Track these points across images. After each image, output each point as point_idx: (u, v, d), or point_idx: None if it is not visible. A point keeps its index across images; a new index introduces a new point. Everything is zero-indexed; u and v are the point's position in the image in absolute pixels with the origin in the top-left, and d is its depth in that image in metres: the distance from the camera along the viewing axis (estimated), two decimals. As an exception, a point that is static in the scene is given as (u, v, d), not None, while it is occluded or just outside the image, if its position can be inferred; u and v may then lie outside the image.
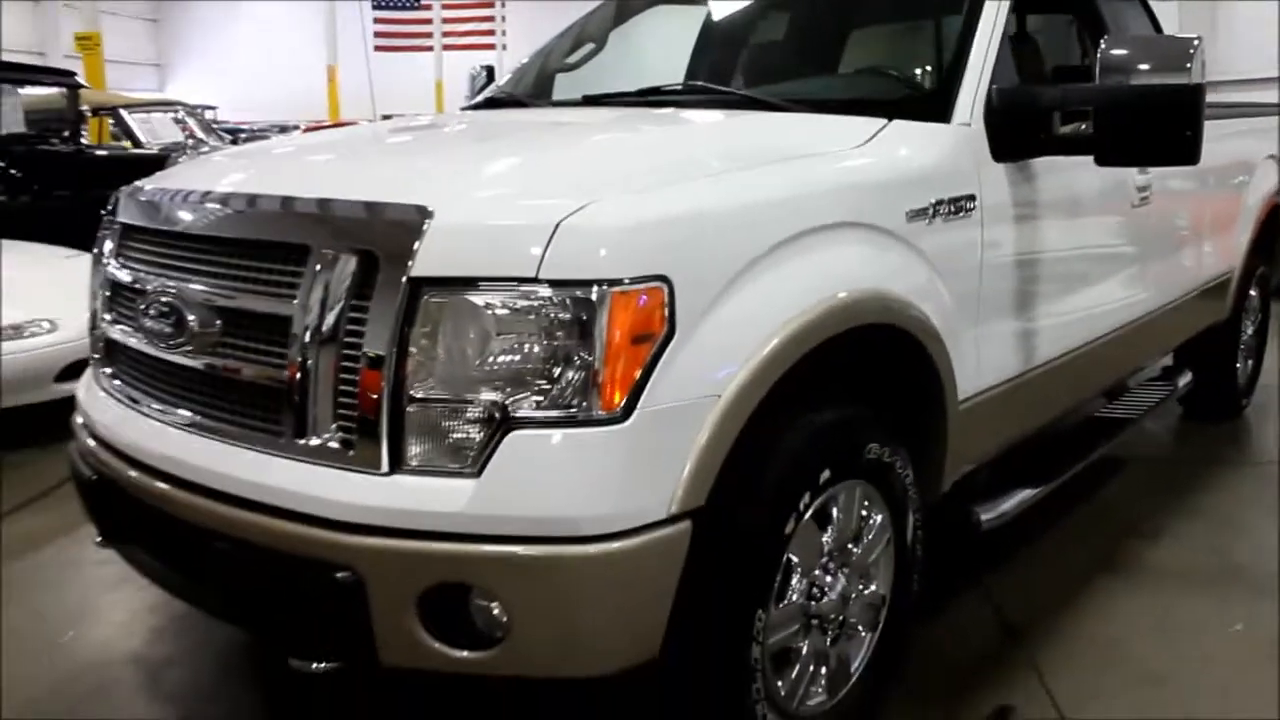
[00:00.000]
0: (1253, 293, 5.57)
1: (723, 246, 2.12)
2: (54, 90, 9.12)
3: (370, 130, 4.16)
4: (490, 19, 34.69)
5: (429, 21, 33.65)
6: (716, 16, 4.09)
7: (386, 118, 8.55)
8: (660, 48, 4.09)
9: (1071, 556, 3.85)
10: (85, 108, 10.12)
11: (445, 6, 33.69)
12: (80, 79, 9.70)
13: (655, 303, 1.98)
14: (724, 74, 3.90)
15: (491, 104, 3.80)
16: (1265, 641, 3.24)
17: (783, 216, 2.25)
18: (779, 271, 2.21)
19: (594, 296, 1.93)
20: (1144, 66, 2.81)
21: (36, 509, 4.34)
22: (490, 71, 4.39)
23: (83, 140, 9.52)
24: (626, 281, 1.95)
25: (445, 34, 33.50)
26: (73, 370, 4.96)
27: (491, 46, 33.59)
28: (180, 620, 3.35)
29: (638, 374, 1.96)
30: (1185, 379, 4.75)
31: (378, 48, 34.13)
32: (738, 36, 4.05)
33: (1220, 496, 4.51)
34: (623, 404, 1.95)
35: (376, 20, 34.02)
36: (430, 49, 33.18)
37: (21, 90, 8.49)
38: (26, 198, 7.83)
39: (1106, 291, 3.63)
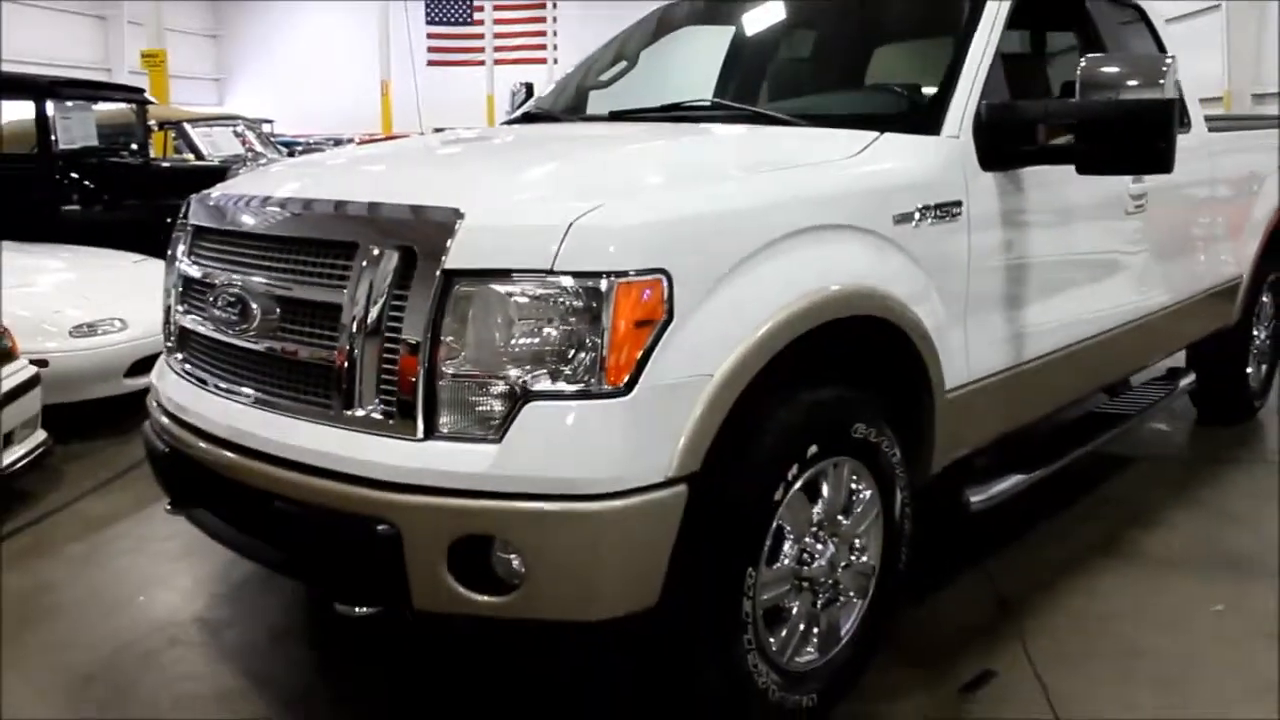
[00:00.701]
0: (1265, 299, 5.74)
1: (717, 244, 2.41)
2: (124, 106, 9.61)
3: (415, 143, 4.49)
4: (542, 33, 35.20)
5: (481, 37, 34.23)
6: (737, 39, 4.38)
7: (439, 130, 8.92)
8: (687, 66, 4.38)
9: (1072, 542, 4.07)
10: (152, 122, 10.59)
11: (497, 22, 34.25)
12: (147, 94, 10.18)
13: (656, 292, 2.27)
14: (742, 91, 4.19)
15: (528, 118, 4.13)
16: (1243, 620, 3.46)
17: (774, 219, 2.54)
18: (771, 267, 2.49)
19: (602, 286, 2.23)
20: (1121, 82, 3.06)
21: (110, 490, 4.73)
22: (529, 88, 4.72)
23: (149, 153, 9.98)
24: (631, 273, 2.25)
25: (497, 48, 34.07)
26: (142, 366, 5.34)
27: (543, 60, 34.08)
28: (238, 588, 3.69)
29: (640, 354, 2.25)
30: (1187, 380, 4.93)
31: (430, 62, 34.75)
32: (755, 57, 4.34)
33: (1222, 491, 4.71)
34: (626, 380, 2.24)
35: (429, 35, 34.64)
36: (482, 63, 33.75)
37: (95, 106, 8.92)
38: (99, 207, 8.26)
39: (1097, 294, 3.85)
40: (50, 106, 8.11)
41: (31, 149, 8.67)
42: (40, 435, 4.67)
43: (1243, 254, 5.27)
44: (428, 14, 34.67)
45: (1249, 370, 5.67)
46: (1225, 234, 5.05)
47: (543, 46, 34.79)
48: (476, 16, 34.39)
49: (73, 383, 5.25)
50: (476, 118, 29.36)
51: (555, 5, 35.30)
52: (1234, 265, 5.18)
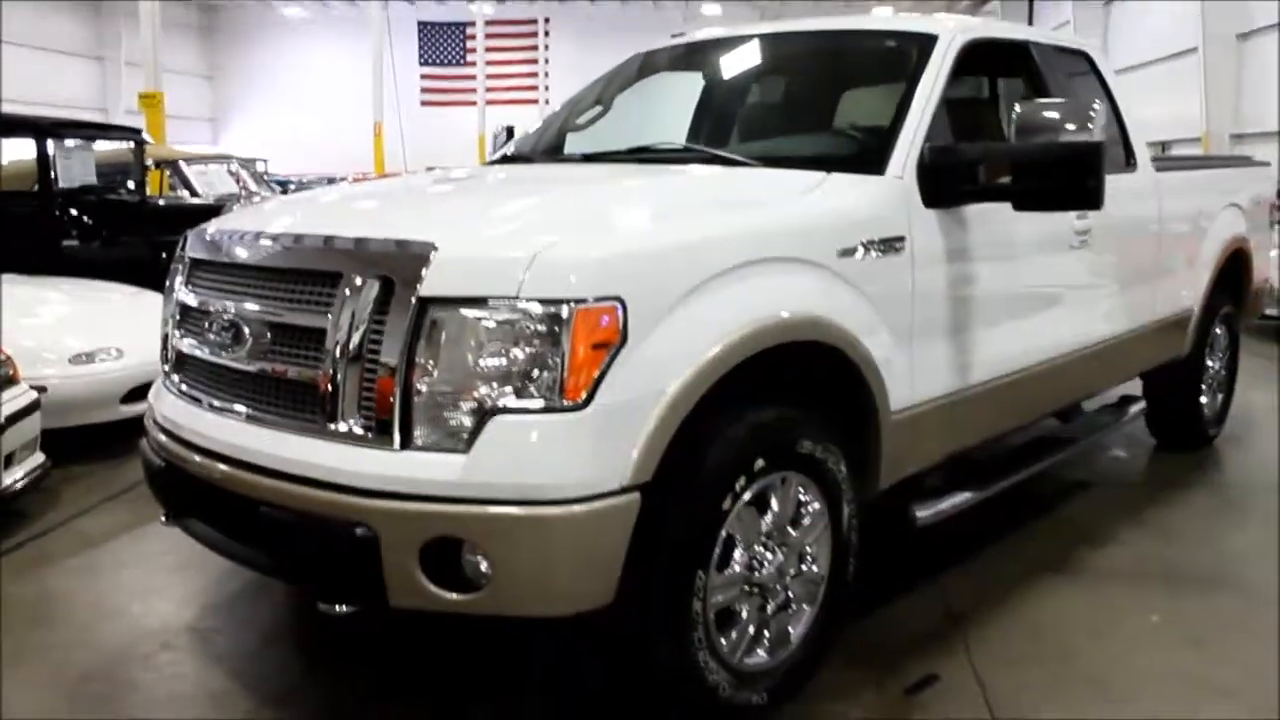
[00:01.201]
0: (1219, 331, 5.98)
1: (669, 275, 2.65)
2: (121, 145, 9.89)
3: (398, 182, 4.75)
4: (534, 74, 35.76)
5: (473, 78, 34.74)
6: (704, 86, 4.65)
7: (430, 169, 9.21)
8: (657, 111, 4.63)
9: (1023, 559, 4.29)
10: (149, 161, 10.86)
11: (489, 64, 34.78)
12: (144, 134, 10.46)
13: (612, 318, 2.51)
14: (708, 134, 4.45)
15: (506, 160, 4.38)
16: (1175, 629, 3.68)
17: (723, 252, 2.78)
18: (720, 296, 2.73)
19: (563, 313, 2.46)
20: (1052, 126, 3.33)
21: (107, 510, 4.94)
22: (510, 131, 5.00)
23: (145, 191, 10.23)
24: (589, 300, 2.48)
25: (489, 89, 34.59)
26: (137, 393, 5.56)
27: (535, 101, 34.62)
28: (230, 599, 3.89)
29: (597, 373, 2.48)
30: (1137, 407, 5.18)
31: (424, 103, 35.31)
32: (721, 103, 4.59)
33: (1171, 511, 4.94)
34: (584, 397, 2.47)
35: (423, 76, 35.19)
36: (474, 104, 34.23)
37: (94, 145, 9.19)
38: (97, 243, 8.50)
39: (1041, 324, 4.09)
40: (51, 146, 8.36)
41: (32, 186, 8.95)
42: (39, 457, 4.88)
43: (1193, 288, 5.51)
44: (421, 55, 35.30)
45: (1203, 400, 5.90)
46: (1175, 269, 5.28)
47: (534, 88, 35.37)
48: (469, 58, 34.93)
49: (70, 408, 5.46)
50: (469, 157, 29.77)
51: (547, 48, 35.89)
52: (1184, 299, 5.41)
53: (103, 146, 9.65)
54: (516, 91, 35.46)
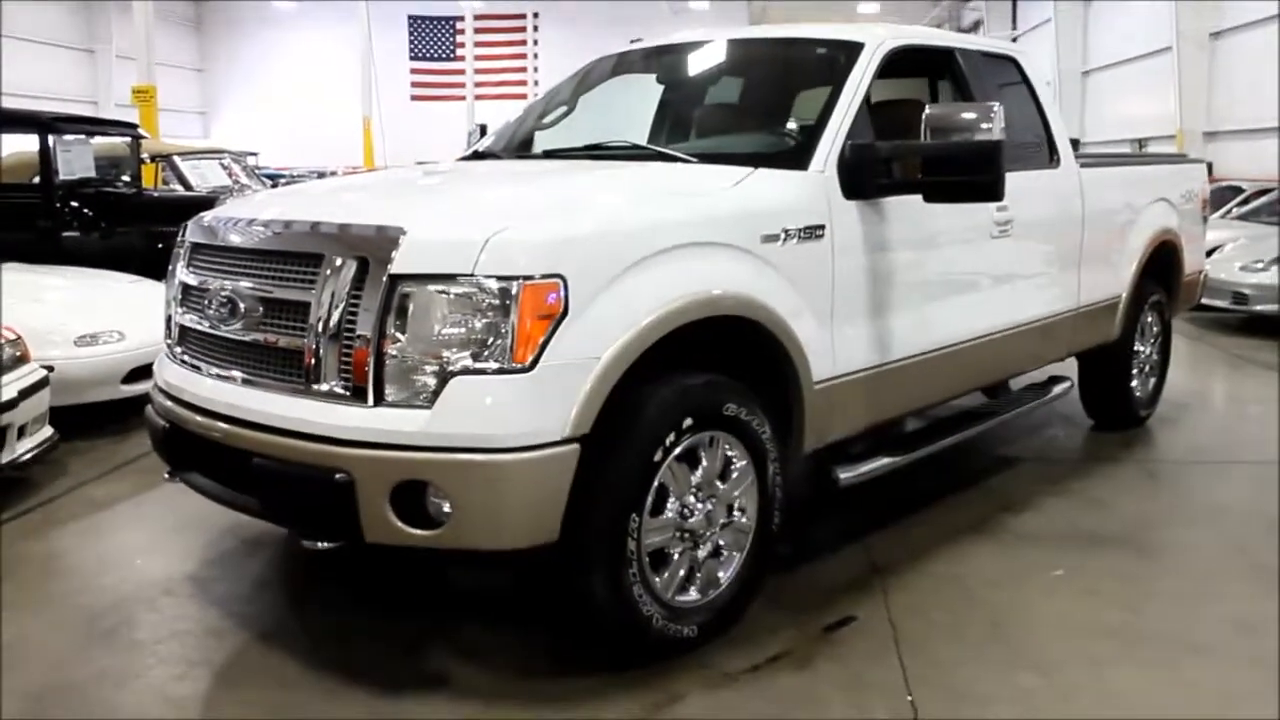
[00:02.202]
0: (1150, 318, 6.40)
1: (606, 256, 3.07)
2: (119, 140, 10.27)
3: (376, 176, 5.18)
4: (523, 69, 36.06)
5: (462, 73, 35.06)
6: (660, 88, 5.07)
7: (421, 163, 9.65)
8: (615, 111, 5.04)
9: (947, 523, 4.70)
10: (144, 155, 11.24)
11: (478, 59, 35.10)
12: (139, 129, 10.83)
13: (555, 293, 2.93)
14: (658, 133, 4.88)
15: (477, 156, 4.81)
16: (1076, 581, 4.09)
17: (654, 236, 3.20)
18: (652, 275, 3.15)
19: (512, 288, 2.88)
20: (957, 127, 3.74)
21: (110, 479, 5.36)
22: (483, 129, 5.42)
23: (141, 184, 10.60)
24: (535, 277, 2.91)
25: (478, 84, 34.91)
26: (137, 374, 5.99)
27: (524, 96, 34.92)
28: (225, 554, 4.31)
29: (541, 340, 2.91)
30: (1062, 386, 5.59)
31: (414, 97, 35.61)
32: (671, 104, 5.02)
33: (1093, 483, 5.35)
34: (530, 360, 2.90)
35: (413, 71, 35.48)
36: (463, 99, 34.56)
37: (92, 140, 9.56)
38: (96, 234, 8.88)
39: (960, 306, 4.49)
40: (52, 140, 8.74)
41: (31, 179, 9.35)
42: (48, 430, 5.29)
43: (1120, 277, 5.91)
44: (411, 50, 35.58)
45: (1135, 383, 6.32)
46: (1101, 258, 5.66)
47: (524, 82, 35.67)
48: (459, 53, 35.23)
49: (76, 387, 5.86)
50: (459, 150, 30.09)
51: (536, 42, 36.21)
52: (1111, 286, 5.81)
53: (101, 141, 10.00)
54: (506, 86, 35.81)
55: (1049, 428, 6.45)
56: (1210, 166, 19.27)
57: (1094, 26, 28.59)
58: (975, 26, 38.10)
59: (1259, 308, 10.16)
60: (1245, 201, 13.72)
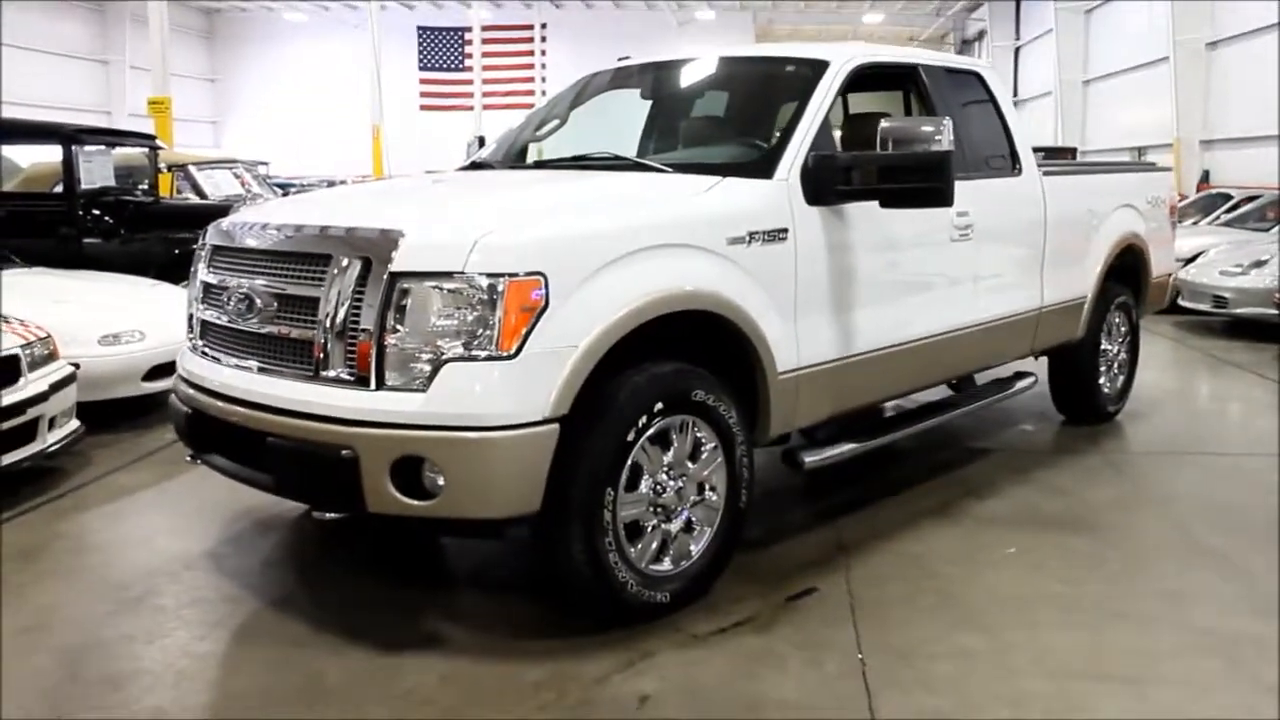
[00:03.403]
0: (1117, 319, 6.73)
1: (583, 256, 3.43)
2: (136, 150, 10.68)
3: (381, 184, 5.56)
4: (530, 79, 36.43)
5: (470, 83, 35.44)
6: (642, 102, 5.43)
7: (430, 172, 10.05)
8: (603, 124, 5.42)
9: (913, 507, 5.05)
10: (161, 165, 11.64)
11: (486, 69, 35.47)
12: (158, 141, 11.24)
13: (536, 289, 3.29)
14: (642, 144, 5.25)
15: (474, 166, 5.18)
16: (1026, 558, 4.43)
17: (628, 238, 3.56)
18: (626, 273, 3.51)
19: (498, 285, 3.25)
20: (908, 138, 4.09)
21: (134, 468, 5.76)
22: (481, 140, 5.80)
23: (158, 193, 10.99)
24: (519, 275, 3.27)
25: (486, 93, 35.27)
26: (157, 372, 6.37)
27: (531, 105, 35.20)
28: (240, 534, 4.68)
29: (524, 330, 3.27)
30: (1025, 381, 5.92)
31: (423, 107, 35.99)
32: (654, 117, 5.39)
33: (1057, 473, 5.67)
34: (514, 349, 3.26)
35: (422, 81, 35.85)
36: (471, 109, 34.92)
37: (112, 150, 9.96)
38: (115, 240, 9.27)
39: (920, 305, 4.83)
40: (74, 151, 9.14)
41: (53, 187, 9.76)
42: (75, 423, 5.67)
43: (1085, 279, 6.24)
44: (420, 60, 35.95)
45: (1102, 380, 6.65)
46: (1064, 261, 5.97)
47: (531, 92, 36.03)
48: (467, 63, 35.58)
49: (99, 384, 6.24)
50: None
51: (544, 53, 36.59)
52: (1075, 288, 6.13)
53: (120, 151, 10.39)
54: (514, 96, 36.15)
55: (1022, 422, 6.77)
56: (1206, 174, 19.50)
57: (1095, 35, 28.90)
58: (980, 37, 38.52)
59: (1239, 311, 10.46)
60: (1234, 208, 14.04)
